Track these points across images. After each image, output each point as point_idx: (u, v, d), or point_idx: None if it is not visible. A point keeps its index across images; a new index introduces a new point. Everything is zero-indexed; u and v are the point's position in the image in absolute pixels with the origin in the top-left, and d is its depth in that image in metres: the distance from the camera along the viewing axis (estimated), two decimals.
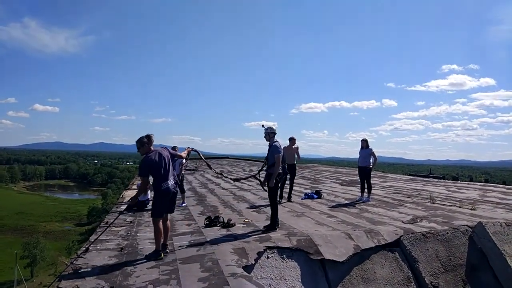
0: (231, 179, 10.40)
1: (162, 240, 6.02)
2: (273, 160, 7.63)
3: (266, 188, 7.86)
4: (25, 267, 48.82)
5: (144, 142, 5.94)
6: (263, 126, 8.00)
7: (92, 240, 7.27)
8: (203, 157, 8.45)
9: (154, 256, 5.84)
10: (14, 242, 60.83)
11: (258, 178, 8.56)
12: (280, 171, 7.75)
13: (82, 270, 5.47)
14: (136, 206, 10.25)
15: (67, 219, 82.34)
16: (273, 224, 7.46)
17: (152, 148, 6.01)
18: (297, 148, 11.50)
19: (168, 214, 6.26)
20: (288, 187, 11.51)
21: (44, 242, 54.84)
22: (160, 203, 5.99)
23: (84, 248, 6.59)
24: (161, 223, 5.96)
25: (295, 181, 12.21)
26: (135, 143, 5.98)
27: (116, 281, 5.00)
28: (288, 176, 10.99)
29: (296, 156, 11.42)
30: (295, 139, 11.44)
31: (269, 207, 7.78)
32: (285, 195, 11.45)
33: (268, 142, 7.94)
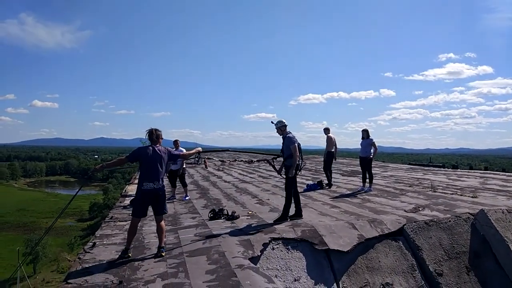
0: (244, 161, 10.65)
1: (132, 240, 6.01)
2: (289, 152, 7.48)
3: (283, 175, 7.87)
4: (28, 263, 49.02)
5: (152, 137, 6.02)
6: (272, 122, 7.84)
7: (98, 235, 7.34)
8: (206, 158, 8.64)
9: (121, 254, 5.76)
10: (15, 239, 60.97)
11: (273, 164, 8.44)
12: (298, 162, 7.57)
13: (90, 265, 5.53)
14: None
15: (68, 215, 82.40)
16: (285, 215, 7.42)
17: (156, 145, 6.00)
18: (330, 137, 12.16)
19: (162, 215, 6.03)
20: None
21: (46, 239, 55.08)
22: (137, 201, 5.97)
23: (91, 243, 6.65)
24: (138, 223, 6.02)
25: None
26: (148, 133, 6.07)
27: (125, 275, 5.05)
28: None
29: (328, 143, 12.18)
30: (329, 129, 12.26)
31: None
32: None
33: (282, 136, 7.80)
